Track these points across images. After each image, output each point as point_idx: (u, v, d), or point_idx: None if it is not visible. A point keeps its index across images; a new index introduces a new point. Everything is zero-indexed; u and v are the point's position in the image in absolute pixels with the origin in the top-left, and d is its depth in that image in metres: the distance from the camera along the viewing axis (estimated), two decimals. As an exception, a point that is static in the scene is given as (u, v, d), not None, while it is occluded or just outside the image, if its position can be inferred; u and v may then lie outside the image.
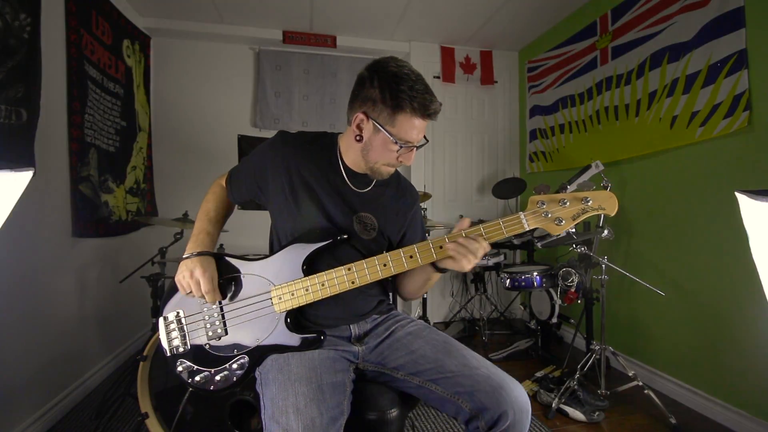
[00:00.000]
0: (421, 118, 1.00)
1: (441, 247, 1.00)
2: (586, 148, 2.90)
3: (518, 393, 0.94)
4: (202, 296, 1.04)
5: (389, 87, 0.97)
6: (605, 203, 0.96)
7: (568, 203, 0.96)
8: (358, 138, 1.05)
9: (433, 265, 1.07)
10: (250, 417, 1.54)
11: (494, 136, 3.82)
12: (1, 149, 1.58)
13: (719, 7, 1.95)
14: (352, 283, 1.02)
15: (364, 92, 1.02)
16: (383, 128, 1.00)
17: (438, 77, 3.61)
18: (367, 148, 1.06)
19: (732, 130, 1.90)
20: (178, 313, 1.08)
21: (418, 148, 1.07)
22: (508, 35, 3.47)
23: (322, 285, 1.02)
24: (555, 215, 0.97)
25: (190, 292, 1.04)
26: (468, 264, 0.98)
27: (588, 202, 0.96)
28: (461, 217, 3.64)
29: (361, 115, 1.03)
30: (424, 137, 1.07)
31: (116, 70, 2.63)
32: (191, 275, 1.03)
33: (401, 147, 1.02)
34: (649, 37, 2.36)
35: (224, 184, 1.23)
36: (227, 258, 1.11)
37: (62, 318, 2.09)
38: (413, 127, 1.00)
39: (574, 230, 2.31)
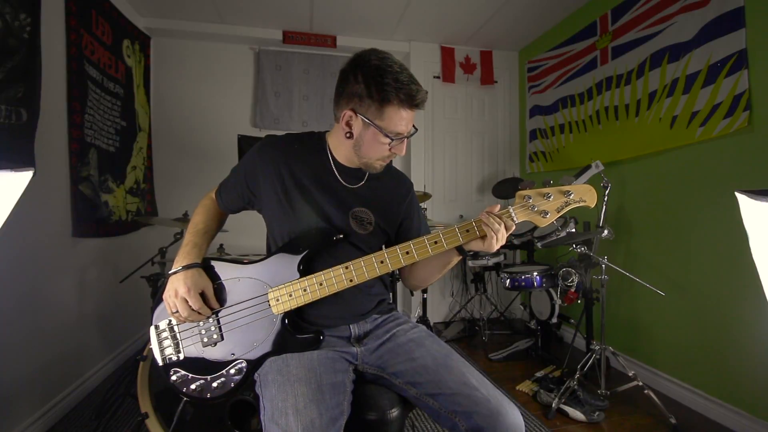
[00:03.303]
0: (409, 108, 1.00)
1: (436, 243, 1.00)
2: (586, 148, 2.90)
3: (515, 419, 0.94)
4: (187, 319, 1.01)
5: (374, 81, 0.97)
6: (585, 195, 1.02)
7: (552, 197, 1.01)
8: (348, 135, 1.05)
9: (458, 248, 1.05)
10: (250, 417, 1.54)
11: (494, 136, 3.82)
12: (1, 149, 1.58)
13: (719, 7, 1.95)
14: (350, 281, 1.02)
15: (349, 88, 1.01)
16: (372, 123, 1.00)
17: (438, 77, 3.60)
18: (358, 144, 1.06)
19: (732, 130, 1.90)
20: (170, 321, 1.06)
21: (408, 137, 1.07)
22: (508, 35, 3.47)
23: (320, 284, 1.02)
24: (541, 208, 1.01)
25: (177, 312, 1.01)
26: (497, 243, 0.98)
27: (570, 195, 1.01)
28: (461, 217, 3.66)
29: (349, 112, 1.02)
30: (414, 127, 1.07)
31: (116, 70, 2.63)
32: (176, 294, 1.01)
33: (392, 140, 1.02)
34: (649, 37, 2.36)
35: (214, 196, 1.23)
36: (221, 262, 1.09)
37: (62, 318, 2.09)
38: (402, 118, 1.01)
39: (573, 230, 2.31)
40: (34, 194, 1.82)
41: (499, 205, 1.01)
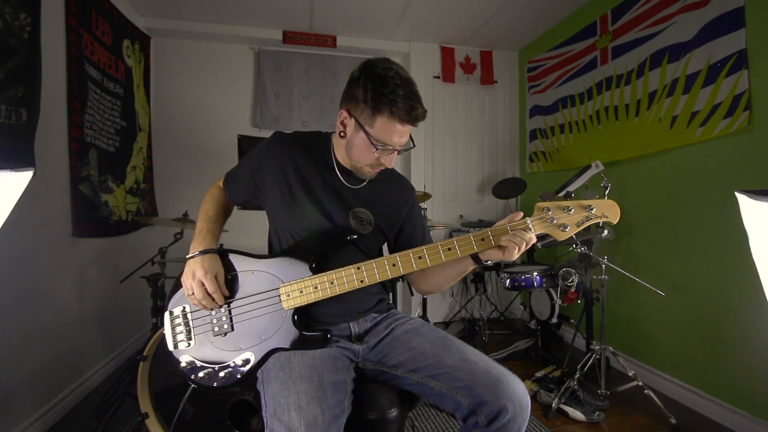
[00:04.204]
0: (400, 123, 0.99)
1: (449, 249, 1.00)
2: (586, 148, 2.90)
3: (517, 387, 0.94)
4: (201, 302, 1.03)
5: (372, 88, 0.97)
6: (608, 211, 1.00)
7: (572, 211, 0.99)
8: (341, 134, 1.07)
9: (474, 256, 1.05)
10: (250, 417, 1.54)
11: (494, 136, 3.82)
12: (1, 149, 1.58)
13: (719, 7, 1.95)
14: (361, 282, 1.03)
15: (351, 90, 1.02)
16: (362, 127, 1.01)
17: (438, 77, 3.60)
18: (349, 145, 1.07)
19: (732, 130, 1.90)
20: (184, 308, 1.09)
21: (401, 152, 1.07)
22: (508, 35, 3.47)
23: (331, 283, 1.03)
24: (560, 222, 0.99)
25: (193, 294, 1.04)
26: (517, 254, 0.98)
27: (592, 210, 0.99)
28: (461, 217, 3.66)
29: (344, 113, 1.04)
30: (412, 141, 1.06)
31: (116, 70, 2.63)
32: (193, 276, 1.03)
33: (377, 149, 1.02)
34: (649, 37, 2.36)
35: (221, 185, 1.25)
36: (236, 254, 1.11)
37: (62, 318, 2.09)
38: (393, 131, 1.00)
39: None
40: (34, 194, 1.83)
41: (521, 213, 1.01)
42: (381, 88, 0.96)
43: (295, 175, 1.11)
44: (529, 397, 0.94)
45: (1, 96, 1.59)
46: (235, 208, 1.33)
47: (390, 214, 1.19)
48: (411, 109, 0.98)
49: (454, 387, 0.96)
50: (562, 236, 1.00)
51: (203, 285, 1.03)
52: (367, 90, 0.98)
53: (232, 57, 3.40)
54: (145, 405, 1.58)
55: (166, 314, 1.09)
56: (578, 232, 1.01)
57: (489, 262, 1.05)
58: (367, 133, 1.01)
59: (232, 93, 3.40)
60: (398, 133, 1.01)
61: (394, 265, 1.02)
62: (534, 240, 0.98)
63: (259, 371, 1.02)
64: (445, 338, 1.07)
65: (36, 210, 1.88)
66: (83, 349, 2.28)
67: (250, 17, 3.12)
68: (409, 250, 1.02)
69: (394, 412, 1.01)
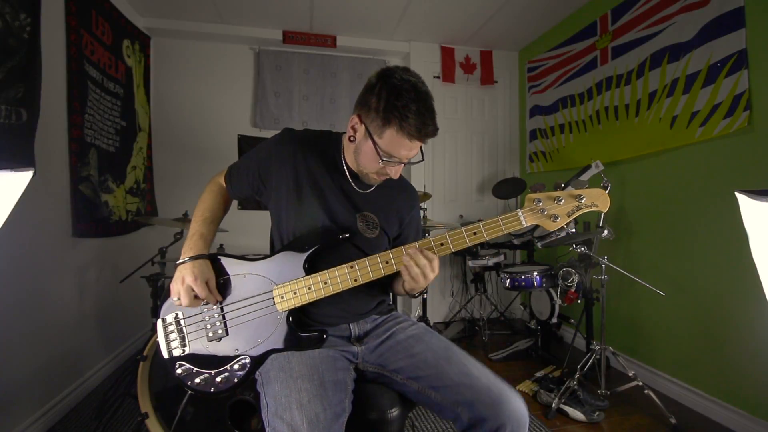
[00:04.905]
0: (408, 138, 0.98)
1: (442, 244, 1.01)
2: (586, 148, 2.90)
3: (517, 405, 0.94)
4: (189, 305, 1.03)
5: (386, 99, 0.96)
6: (598, 200, 1.00)
7: (563, 200, 0.99)
8: (351, 138, 1.06)
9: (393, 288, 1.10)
10: (250, 417, 1.54)
11: (494, 136, 3.82)
12: (1, 149, 1.58)
13: (719, 7, 1.95)
14: (355, 280, 1.02)
15: (366, 96, 1.01)
16: (371, 136, 1.00)
17: (438, 77, 3.60)
18: (357, 150, 1.06)
19: (732, 130, 1.90)
20: (176, 314, 1.07)
21: (407, 164, 1.06)
22: (508, 35, 3.47)
23: (325, 283, 1.02)
24: (551, 212, 0.99)
25: (179, 299, 1.03)
26: (417, 282, 0.99)
27: (582, 199, 0.99)
28: (461, 217, 3.66)
29: (356, 118, 1.03)
30: (422, 155, 1.05)
31: (116, 70, 2.63)
32: (182, 282, 1.02)
33: (383, 159, 1.02)
34: (649, 37, 2.36)
35: (223, 181, 1.23)
36: (228, 258, 1.10)
37: (62, 318, 2.09)
38: (401, 145, 0.99)
39: (574, 230, 2.31)
40: (34, 194, 1.83)
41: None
42: (394, 101, 0.95)
43: (305, 174, 1.10)
44: (527, 416, 0.95)
45: (1, 96, 1.59)
46: (234, 207, 1.32)
47: (395, 219, 1.19)
48: (422, 126, 0.96)
49: (455, 401, 0.96)
50: (553, 226, 1.00)
51: (191, 290, 1.01)
52: (381, 100, 0.96)
53: (232, 57, 3.39)
54: (145, 405, 1.58)
55: (159, 322, 1.08)
56: (569, 222, 1.01)
57: (407, 292, 1.09)
58: (375, 143, 1.00)
59: (232, 93, 3.40)
60: (406, 147, 1.00)
61: (387, 262, 1.02)
62: (434, 260, 0.98)
63: (258, 373, 1.02)
64: (447, 348, 1.06)
65: (36, 210, 1.87)
66: (83, 349, 2.28)
67: (250, 17, 3.12)
68: (402, 247, 1.02)
69: (394, 412, 1.01)
